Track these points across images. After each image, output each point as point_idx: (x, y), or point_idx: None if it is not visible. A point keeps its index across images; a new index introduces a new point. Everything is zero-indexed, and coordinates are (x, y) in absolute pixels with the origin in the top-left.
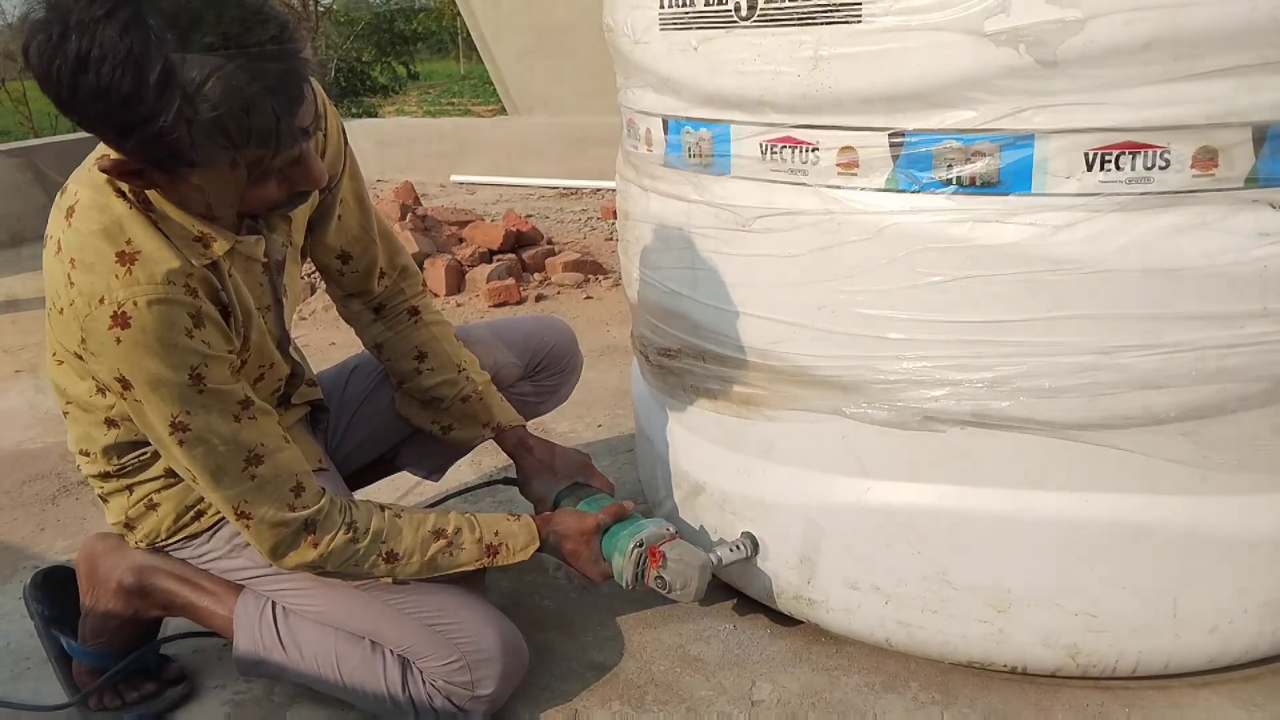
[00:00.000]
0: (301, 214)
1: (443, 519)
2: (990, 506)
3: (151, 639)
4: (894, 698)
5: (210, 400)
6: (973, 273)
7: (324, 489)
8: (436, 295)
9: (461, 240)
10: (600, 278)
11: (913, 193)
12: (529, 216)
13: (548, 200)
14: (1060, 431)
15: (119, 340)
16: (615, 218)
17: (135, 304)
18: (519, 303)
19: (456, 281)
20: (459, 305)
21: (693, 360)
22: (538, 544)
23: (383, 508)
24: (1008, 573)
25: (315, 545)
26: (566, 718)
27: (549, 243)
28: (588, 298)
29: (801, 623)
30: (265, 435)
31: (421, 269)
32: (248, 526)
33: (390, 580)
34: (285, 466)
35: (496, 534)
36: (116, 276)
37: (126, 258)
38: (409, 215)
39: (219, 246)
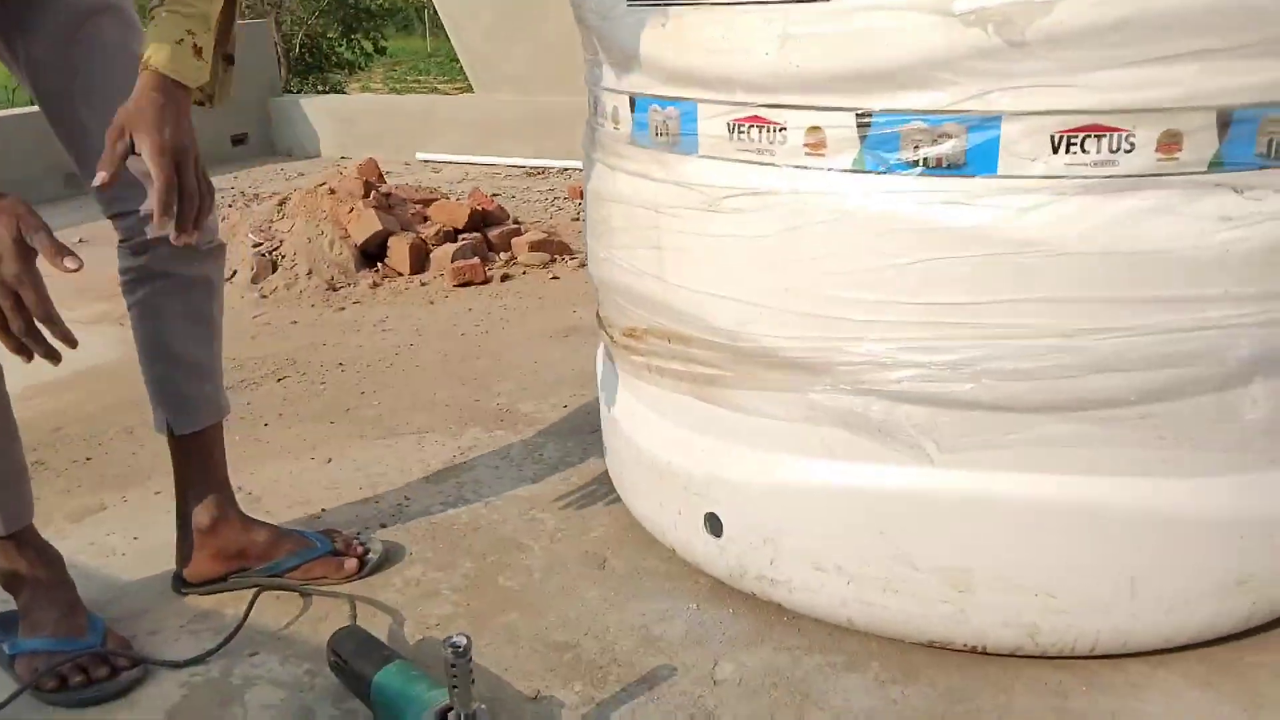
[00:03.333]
0: None
1: None
2: (952, 487)
3: (83, 620)
4: (855, 677)
5: None
6: (938, 255)
7: None
8: (401, 274)
9: (426, 219)
10: (566, 258)
11: (880, 174)
12: (494, 196)
13: (514, 179)
14: (1022, 414)
15: None
16: (581, 197)
17: None
18: (484, 282)
19: (420, 260)
20: (423, 284)
21: (658, 341)
22: None
23: None
24: (969, 554)
25: None
26: (528, 698)
27: (515, 222)
28: (553, 278)
29: (764, 603)
30: None
31: (385, 247)
32: None
33: None
34: None
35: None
36: None
37: None
38: (372, 193)
39: None
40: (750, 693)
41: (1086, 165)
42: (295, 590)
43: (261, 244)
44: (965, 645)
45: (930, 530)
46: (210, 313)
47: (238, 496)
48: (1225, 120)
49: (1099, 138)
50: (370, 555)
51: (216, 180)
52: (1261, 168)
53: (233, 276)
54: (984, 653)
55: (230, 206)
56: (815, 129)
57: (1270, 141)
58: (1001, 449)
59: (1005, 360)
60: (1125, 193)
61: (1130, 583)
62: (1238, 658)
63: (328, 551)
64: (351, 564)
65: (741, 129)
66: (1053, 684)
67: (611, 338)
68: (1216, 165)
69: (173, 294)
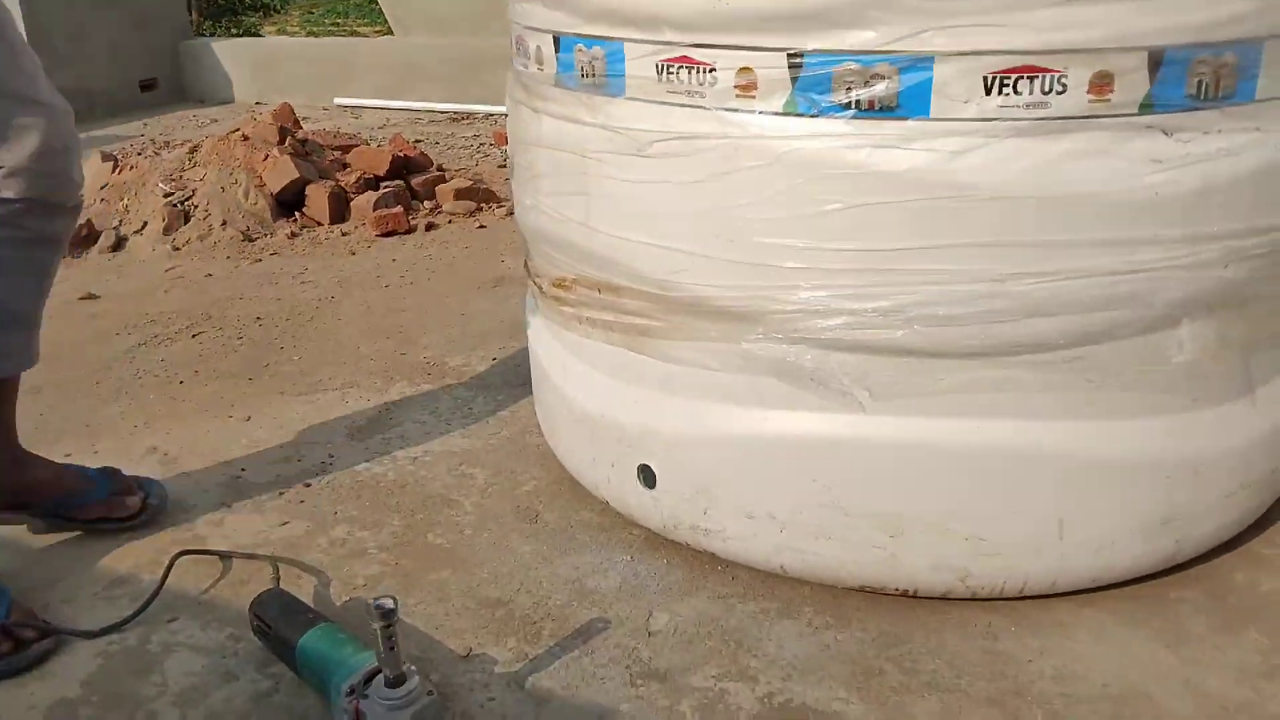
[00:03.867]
0: None
1: None
2: (884, 434)
3: None
4: (789, 623)
5: None
6: (870, 199)
7: None
8: (320, 224)
9: (345, 166)
10: (493, 206)
11: (811, 117)
12: (417, 142)
13: (437, 125)
14: (953, 360)
15: None
16: (507, 143)
17: None
18: (408, 231)
19: (340, 210)
20: (344, 234)
21: (588, 291)
22: None
23: None
24: (900, 499)
25: None
26: (460, 657)
27: (439, 169)
28: (480, 227)
29: (699, 553)
30: None
31: (303, 196)
32: None
33: None
34: None
35: None
36: None
37: None
38: (288, 139)
39: None
40: (684, 642)
41: (1019, 107)
42: (216, 554)
43: (173, 194)
44: (897, 589)
45: (862, 477)
46: (51, 266)
47: (152, 456)
48: (1157, 61)
49: (1031, 79)
50: (151, 500)
51: (125, 129)
52: (1190, 109)
53: (143, 228)
54: (915, 596)
55: (140, 155)
56: (746, 70)
57: (1200, 83)
58: (933, 395)
59: (937, 306)
60: (1057, 135)
61: (1059, 524)
62: (1163, 594)
63: (108, 492)
64: (134, 502)
65: (670, 70)
66: (982, 625)
67: (540, 288)
68: (1147, 107)
69: (17, 246)
